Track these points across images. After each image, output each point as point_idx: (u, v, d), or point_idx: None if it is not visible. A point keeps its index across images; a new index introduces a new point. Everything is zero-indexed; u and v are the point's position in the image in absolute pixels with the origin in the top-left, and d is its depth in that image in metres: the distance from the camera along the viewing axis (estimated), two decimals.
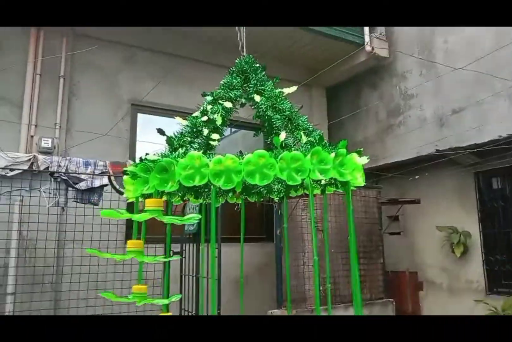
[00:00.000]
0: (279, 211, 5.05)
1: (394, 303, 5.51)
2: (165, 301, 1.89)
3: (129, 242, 1.77)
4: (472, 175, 5.57)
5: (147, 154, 1.84)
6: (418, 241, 6.18)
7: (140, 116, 5.61)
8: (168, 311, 2.00)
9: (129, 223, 5.14)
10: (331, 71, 5.91)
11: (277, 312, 4.57)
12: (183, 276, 4.53)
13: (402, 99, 6.03)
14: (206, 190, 2.14)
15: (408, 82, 5.95)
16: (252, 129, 6.03)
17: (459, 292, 5.60)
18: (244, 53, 2.46)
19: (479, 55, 4.75)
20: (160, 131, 2.09)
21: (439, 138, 5.38)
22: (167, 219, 1.70)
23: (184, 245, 4.47)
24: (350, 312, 5.05)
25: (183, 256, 4.39)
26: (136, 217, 1.69)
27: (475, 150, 4.93)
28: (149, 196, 1.85)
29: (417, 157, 5.66)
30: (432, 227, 5.86)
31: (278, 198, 2.54)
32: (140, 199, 1.94)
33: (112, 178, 4.03)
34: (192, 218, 1.70)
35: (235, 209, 4.56)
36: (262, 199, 2.50)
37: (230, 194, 2.36)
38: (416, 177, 5.65)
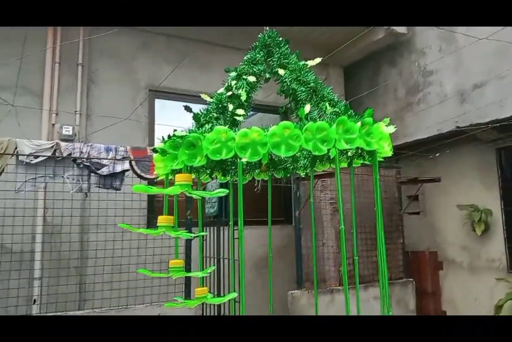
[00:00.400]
0: (298, 193, 5.08)
1: (414, 282, 5.54)
2: (200, 274, 1.94)
3: (160, 217, 1.82)
4: (494, 151, 5.48)
5: (175, 130, 1.87)
6: (438, 220, 6.15)
7: (158, 102, 5.67)
8: (203, 286, 2.07)
9: (150, 207, 5.26)
10: (348, 49, 5.82)
11: (297, 293, 4.65)
12: (203, 258, 4.64)
13: (421, 76, 5.92)
14: (233, 167, 2.16)
15: (428, 58, 5.82)
16: (269, 112, 6.08)
17: (479, 271, 5.59)
18: (267, 28, 2.42)
19: (500, 26, 4.60)
20: (187, 109, 2.12)
21: (459, 115, 5.29)
22: (196, 194, 1.74)
23: (205, 227, 4.56)
24: (370, 292, 5.11)
25: (204, 239, 4.49)
26: (167, 191, 1.73)
27: (498, 125, 4.83)
28: (179, 172, 1.88)
29: (437, 135, 5.58)
30: (452, 206, 5.82)
31: (303, 174, 2.52)
32: (170, 176, 1.98)
33: (133, 162, 4.11)
34: (220, 192, 1.74)
35: (255, 190, 4.62)
36: (288, 175, 2.47)
37: (257, 171, 2.35)
38: (437, 154, 5.59)
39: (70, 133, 4.82)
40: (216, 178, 2.36)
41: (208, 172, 2.21)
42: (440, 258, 6.05)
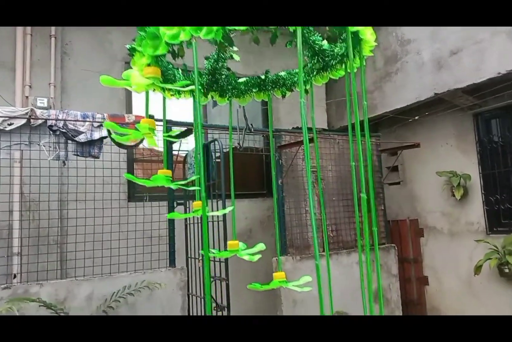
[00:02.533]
0: (280, 161, 5.07)
1: (395, 248, 5.62)
2: (252, 257, 1.90)
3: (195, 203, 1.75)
4: (471, 117, 5.56)
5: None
6: (418, 189, 6.24)
7: None
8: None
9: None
10: None
11: (281, 259, 4.66)
12: (187, 228, 4.62)
13: (399, 45, 5.94)
14: (230, 87, 2.08)
15: (405, 27, 5.84)
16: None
17: (459, 235, 5.70)
18: None
19: None
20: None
21: (437, 82, 5.34)
22: (167, 86, 1.68)
23: (188, 202, 4.50)
24: (353, 257, 5.17)
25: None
26: (137, 85, 1.64)
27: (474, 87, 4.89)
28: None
29: (416, 103, 5.63)
30: (431, 174, 5.90)
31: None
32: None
33: (111, 130, 4.03)
34: (186, 84, 1.66)
35: (238, 148, 4.55)
36: (285, 94, 2.30)
37: (256, 89, 2.23)
38: (416, 117, 5.66)
39: (45, 105, 4.70)
40: (212, 97, 2.22)
41: (204, 91, 2.09)
42: (420, 225, 6.15)
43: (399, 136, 6.30)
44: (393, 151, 6.04)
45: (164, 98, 2.06)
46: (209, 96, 2.16)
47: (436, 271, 5.97)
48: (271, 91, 2.22)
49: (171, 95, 2.04)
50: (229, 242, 1.88)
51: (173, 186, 1.78)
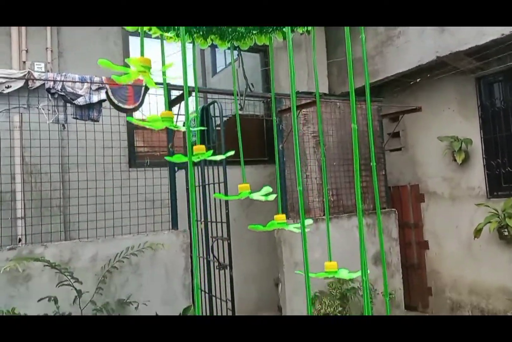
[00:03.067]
0: (281, 126, 5.05)
1: (396, 212, 5.66)
2: (267, 197, 1.87)
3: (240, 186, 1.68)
4: (473, 81, 5.50)
5: None
6: (420, 155, 6.23)
7: (133, 39, 5.48)
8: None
9: (131, 147, 5.20)
10: None
11: None
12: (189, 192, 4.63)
13: None
14: (229, 30, 2.01)
15: None
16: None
17: (460, 200, 5.72)
18: None
19: None
20: None
21: (440, 45, 5.25)
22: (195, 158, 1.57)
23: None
24: (353, 221, 5.21)
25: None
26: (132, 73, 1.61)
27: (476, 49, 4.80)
28: None
29: (418, 67, 5.55)
30: (433, 140, 5.87)
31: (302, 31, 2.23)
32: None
33: (110, 92, 4.00)
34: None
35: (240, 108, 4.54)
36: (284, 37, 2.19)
37: (256, 31, 2.12)
38: (418, 80, 5.60)
39: (43, 69, 4.65)
40: (212, 41, 2.14)
41: (203, 33, 2.02)
42: (421, 191, 6.17)
43: (400, 102, 6.24)
44: (395, 116, 6.00)
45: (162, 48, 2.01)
46: (209, 40, 2.09)
47: (436, 236, 6.02)
48: (272, 34, 2.15)
49: (170, 38, 1.99)
50: (276, 216, 1.81)
51: (193, 159, 1.66)
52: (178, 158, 1.31)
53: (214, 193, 4.14)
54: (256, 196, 1.85)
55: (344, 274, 1.57)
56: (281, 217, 2.03)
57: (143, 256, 3.95)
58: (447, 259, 5.88)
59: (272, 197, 1.84)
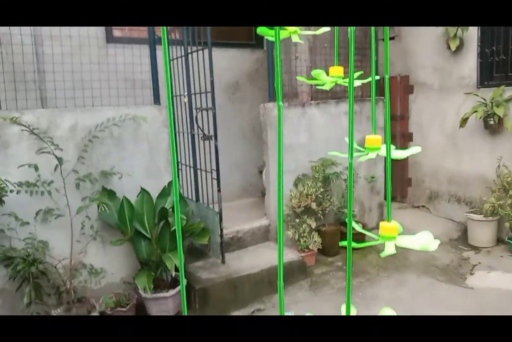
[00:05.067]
0: None
1: (384, 101, 5.55)
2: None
3: None
4: None
5: None
6: (413, 44, 5.98)
7: None
8: None
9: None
10: None
11: (269, 105, 4.58)
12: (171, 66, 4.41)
13: None
14: None
15: None
16: None
17: (450, 90, 5.63)
18: None
19: None
20: None
21: None
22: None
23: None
24: (341, 106, 5.11)
25: None
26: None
27: None
28: None
29: None
30: (428, 28, 5.60)
31: None
32: None
33: None
34: None
35: None
36: None
37: None
38: None
39: None
40: None
41: None
42: (411, 82, 6.04)
43: None
44: None
45: None
46: None
47: (422, 127, 6.02)
48: None
49: None
50: (369, 137, 1.43)
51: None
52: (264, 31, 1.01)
53: (198, 69, 3.94)
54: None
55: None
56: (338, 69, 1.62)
57: (125, 130, 3.84)
58: (429, 150, 5.93)
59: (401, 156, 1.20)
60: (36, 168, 3.44)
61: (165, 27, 0.78)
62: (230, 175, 5.58)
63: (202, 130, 3.73)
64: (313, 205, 4.74)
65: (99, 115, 3.70)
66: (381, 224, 0.89)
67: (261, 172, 5.78)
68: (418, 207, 6.29)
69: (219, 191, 3.62)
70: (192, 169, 4.00)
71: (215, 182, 3.63)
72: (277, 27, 0.76)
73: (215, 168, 3.59)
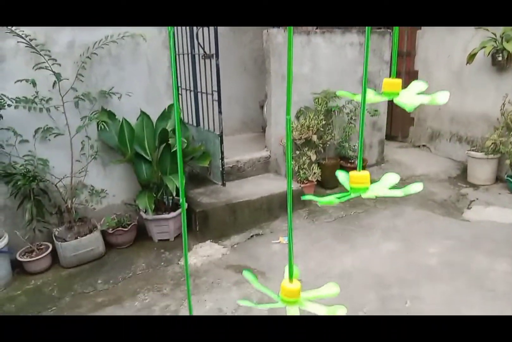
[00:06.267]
0: None
1: (391, 33, 5.39)
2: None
3: None
4: None
5: None
6: None
7: None
8: None
9: None
10: None
11: (273, 31, 4.41)
12: None
13: None
14: None
15: None
16: None
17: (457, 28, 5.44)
18: None
19: None
20: None
21: None
22: None
23: None
24: (347, 37, 4.95)
25: None
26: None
27: None
28: None
29: None
30: None
31: None
32: None
33: None
34: None
35: None
36: None
37: None
38: None
39: None
40: None
41: None
42: None
43: None
44: None
45: None
46: None
47: (428, 65, 5.88)
48: None
49: None
50: (387, 80, 1.32)
51: None
52: None
53: None
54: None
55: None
56: None
57: (124, 49, 3.72)
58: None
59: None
60: (34, 84, 3.36)
61: None
62: (230, 108, 5.50)
63: (203, 48, 3.61)
64: (314, 138, 4.70)
65: (98, 32, 3.57)
66: (350, 173, 0.73)
67: (262, 107, 5.70)
68: (419, 146, 6.26)
69: (220, 112, 3.56)
70: (192, 93, 3.91)
71: (216, 104, 3.57)
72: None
73: (216, 90, 3.51)
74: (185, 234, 0.79)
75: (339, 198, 0.73)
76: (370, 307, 3.00)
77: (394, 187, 0.75)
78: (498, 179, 5.18)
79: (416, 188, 0.71)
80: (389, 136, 6.23)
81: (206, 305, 3.05)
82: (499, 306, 2.96)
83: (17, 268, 3.52)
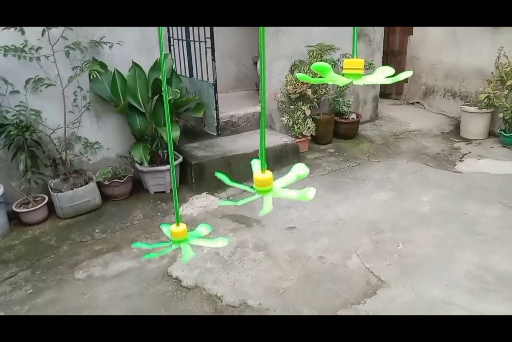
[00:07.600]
0: None
1: None
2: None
3: None
4: None
5: None
6: None
7: None
8: None
9: None
10: None
11: None
12: None
13: None
14: None
15: None
16: None
17: None
18: None
19: None
20: None
21: None
22: None
23: None
24: None
25: None
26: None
27: None
28: None
29: None
30: None
31: None
32: None
33: None
34: None
35: None
36: None
37: None
38: None
39: None
40: None
41: None
42: None
43: None
44: None
45: None
46: None
47: (418, 65, 5.80)
48: None
49: None
50: (348, 61, 1.24)
51: None
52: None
53: None
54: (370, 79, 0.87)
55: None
56: None
57: None
58: (428, 44, 5.77)
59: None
60: (22, 32, 3.28)
61: None
62: (224, 65, 5.42)
63: None
64: (309, 92, 4.67)
65: None
66: (254, 176, 0.77)
67: (256, 63, 5.63)
68: (412, 103, 6.26)
69: (213, 60, 3.51)
70: (184, 42, 3.84)
71: (209, 51, 3.50)
72: None
73: (209, 36, 3.45)
74: (173, 172, 0.79)
75: (236, 201, 0.85)
76: (363, 249, 3.07)
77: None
78: (490, 134, 5.22)
79: (310, 193, 0.78)
80: (384, 94, 6.21)
81: (204, 249, 3.11)
82: (489, 248, 3.04)
83: (14, 219, 3.55)
